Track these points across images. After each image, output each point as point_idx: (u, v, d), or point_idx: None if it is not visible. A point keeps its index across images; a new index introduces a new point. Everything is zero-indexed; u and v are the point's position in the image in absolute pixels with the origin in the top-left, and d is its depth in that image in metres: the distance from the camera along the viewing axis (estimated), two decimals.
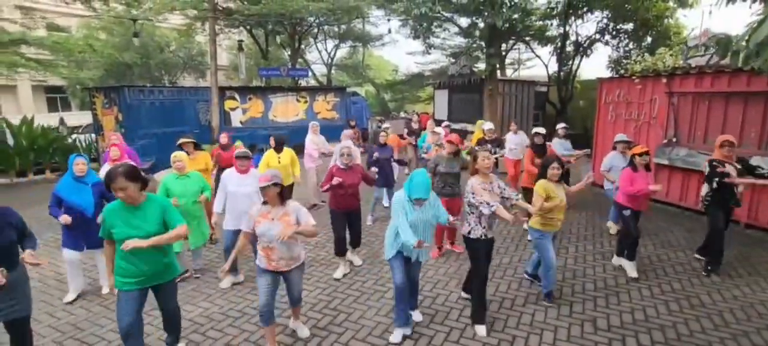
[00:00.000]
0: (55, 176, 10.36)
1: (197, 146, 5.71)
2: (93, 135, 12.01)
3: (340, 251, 4.68)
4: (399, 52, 68.44)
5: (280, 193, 3.08)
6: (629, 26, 13.57)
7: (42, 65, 11.38)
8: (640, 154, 4.47)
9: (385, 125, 8.20)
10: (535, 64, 22.50)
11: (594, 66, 58.34)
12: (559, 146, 6.63)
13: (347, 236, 4.77)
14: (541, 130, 5.97)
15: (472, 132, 12.80)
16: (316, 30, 19.77)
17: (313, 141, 7.36)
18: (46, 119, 13.41)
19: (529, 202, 5.32)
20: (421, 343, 3.42)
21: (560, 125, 6.96)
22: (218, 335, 3.57)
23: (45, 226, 6.27)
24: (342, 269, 4.68)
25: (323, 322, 3.75)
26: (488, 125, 7.28)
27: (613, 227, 5.97)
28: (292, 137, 9.92)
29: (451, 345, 3.40)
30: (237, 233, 3.96)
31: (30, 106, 21.52)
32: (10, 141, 10.25)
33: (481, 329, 3.53)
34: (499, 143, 7.20)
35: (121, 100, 10.35)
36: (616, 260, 4.84)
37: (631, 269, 4.59)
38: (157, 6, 13.44)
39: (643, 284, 4.38)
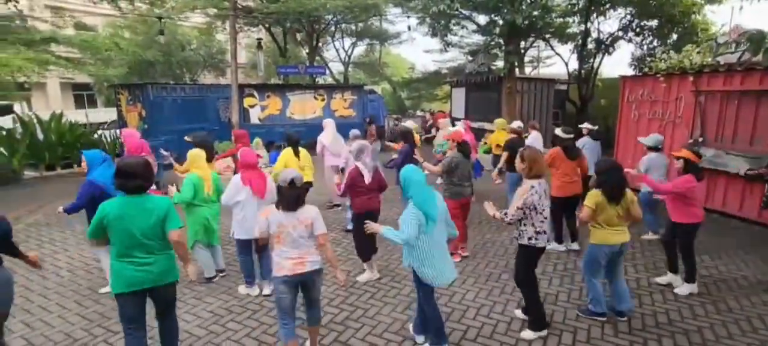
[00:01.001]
0: (81, 170, 10.71)
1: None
2: (118, 131, 12.37)
3: (366, 256, 4.50)
4: (416, 50, 68.32)
5: (300, 195, 2.92)
6: (654, 23, 13.20)
7: (71, 63, 11.78)
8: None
9: (409, 123, 8.06)
10: (554, 62, 22.14)
11: (615, 64, 57.06)
12: (590, 149, 6.07)
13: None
14: (569, 130, 5.32)
15: (490, 131, 12.71)
16: (333, 28, 19.90)
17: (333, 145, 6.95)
18: (74, 116, 13.87)
19: (558, 215, 5.18)
20: None
21: (585, 125, 6.48)
22: (237, 327, 3.64)
23: (75, 218, 6.48)
24: (367, 275, 4.50)
25: (340, 317, 3.78)
26: (516, 123, 6.80)
27: (651, 235, 5.57)
28: (309, 134, 10.01)
29: (470, 343, 3.39)
30: (248, 242, 3.99)
31: (58, 102, 22.32)
32: (40, 136, 10.65)
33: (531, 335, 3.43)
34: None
35: (145, 97, 10.62)
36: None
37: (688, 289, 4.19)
38: (180, 5, 13.79)
39: (666, 287, 4.27)
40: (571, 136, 5.19)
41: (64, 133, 10.84)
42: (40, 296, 4.23)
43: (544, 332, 3.45)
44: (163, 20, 12.16)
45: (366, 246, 4.44)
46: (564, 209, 5.15)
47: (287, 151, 5.87)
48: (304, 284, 2.95)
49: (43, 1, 19.43)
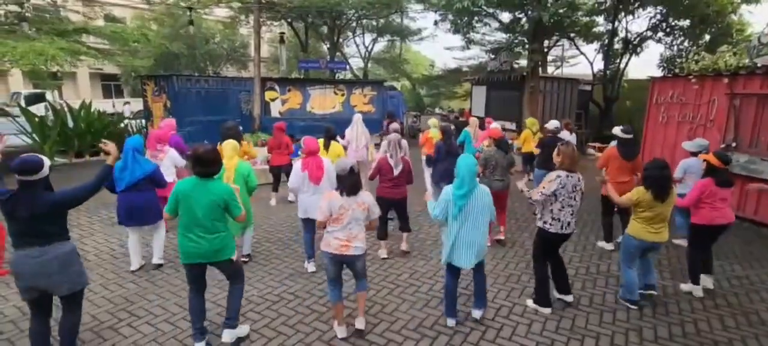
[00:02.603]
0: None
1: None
2: (143, 120, 12.68)
3: (383, 236, 4.99)
4: (436, 46, 67.75)
5: (358, 182, 3.24)
6: (686, 23, 12.74)
7: (101, 53, 12.12)
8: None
9: (432, 120, 8.10)
10: (579, 61, 21.63)
11: (642, 65, 55.34)
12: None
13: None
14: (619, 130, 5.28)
15: (511, 130, 12.52)
16: (354, 23, 19.91)
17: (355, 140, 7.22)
18: (102, 105, 14.30)
19: (609, 215, 5.32)
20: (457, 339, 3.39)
21: (620, 127, 5.85)
22: (257, 317, 3.69)
23: (99, 203, 6.67)
24: (383, 252, 4.99)
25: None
26: (553, 123, 6.85)
27: (680, 240, 5.43)
28: None
29: (488, 344, 3.35)
30: (307, 220, 4.40)
31: (87, 92, 23.05)
32: (70, 124, 11.00)
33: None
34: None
35: (170, 88, 10.84)
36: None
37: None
38: None
39: (694, 296, 4.13)
40: (631, 136, 5.13)
41: (92, 122, 11.17)
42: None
43: (548, 310, 3.74)
44: (192, 11, 12.35)
45: (382, 229, 4.94)
46: (614, 209, 5.24)
47: (319, 143, 5.97)
48: (347, 264, 3.32)
49: None
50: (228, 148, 4.46)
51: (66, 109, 11.23)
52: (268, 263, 4.80)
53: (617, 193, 4.83)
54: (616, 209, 5.28)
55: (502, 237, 5.46)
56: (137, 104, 16.31)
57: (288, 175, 7.03)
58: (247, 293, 4.08)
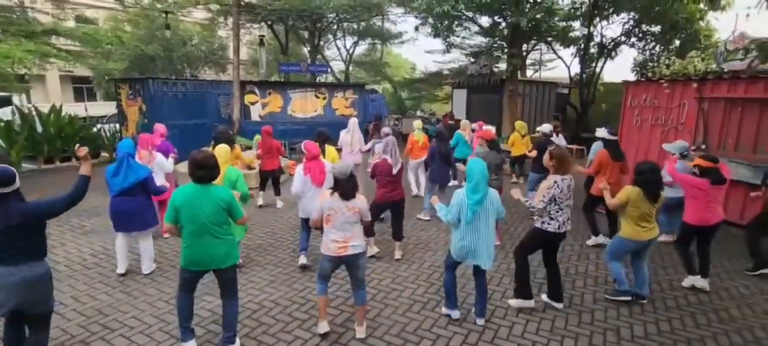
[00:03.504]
0: (80, 165, 10.63)
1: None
2: (117, 125, 12.30)
3: (370, 233, 5.01)
4: (417, 50, 68.33)
5: (355, 186, 3.27)
6: (657, 28, 13.19)
7: (72, 56, 11.71)
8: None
9: (416, 123, 8.19)
10: (556, 65, 22.10)
11: (616, 69, 57.05)
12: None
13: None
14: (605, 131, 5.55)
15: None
16: (335, 26, 19.85)
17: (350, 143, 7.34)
18: (73, 109, 13.79)
19: (591, 212, 5.51)
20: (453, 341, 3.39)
21: (605, 129, 5.89)
22: (254, 324, 3.62)
23: (71, 212, 6.40)
24: (373, 249, 5.02)
25: (340, 319, 3.75)
26: (547, 127, 7.10)
27: (664, 237, 5.55)
28: (310, 133, 9.96)
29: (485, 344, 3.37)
30: (307, 220, 4.47)
31: (57, 95, 22.21)
32: (39, 128, 10.58)
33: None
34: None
35: (146, 91, 10.56)
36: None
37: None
38: (182, 0, 13.72)
39: (669, 295, 4.25)
40: (616, 137, 5.35)
41: (63, 126, 10.77)
42: (67, 286, 4.19)
43: (531, 302, 3.84)
44: (168, 15, 12.06)
45: (370, 227, 4.95)
46: (595, 206, 5.53)
47: None
48: (348, 265, 3.34)
49: None
50: (221, 153, 4.35)
51: (34, 113, 10.80)
52: (248, 270, 4.71)
53: (613, 191, 5.10)
54: (599, 207, 5.50)
55: (498, 242, 5.43)
56: (100, 108, 15.86)
57: (275, 180, 7.02)
58: (257, 297, 4.03)
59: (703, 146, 6.72)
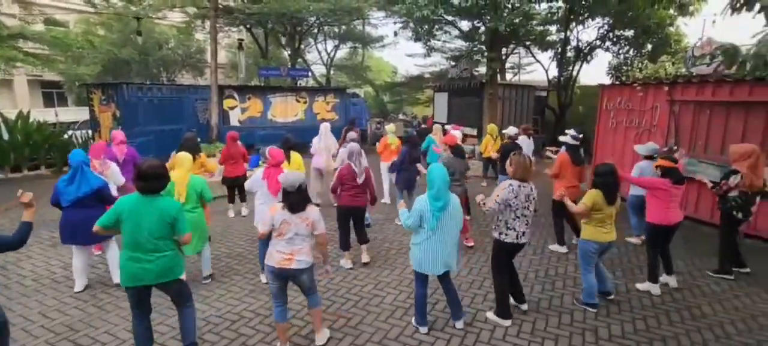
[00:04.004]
0: (49, 173, 10.24)
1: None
2: (89, 131, 11.91)
3: (346, 247, 4.94)
4: (399, 53, 68.67)
5: (305, 198, 3.17)
6: (630, 33, 13.59)
7: (40, 60, 11.27)
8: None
9: (389, 126, 8.11)
10: (535, 69, 22.53)
11: (593, 72, 58.71)
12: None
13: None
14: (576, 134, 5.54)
15: (472, 136, 12.82)
16: (316, 30, 19.74)
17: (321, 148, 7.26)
18: (42, 115, 13.30)
19: (560, 218, 5.49)
20: None
21: (570, 132, 6.03)
22: (215, 339, 3.51)
23: (39, 222, 6.17)
24: (347, 262, 4.92)
25: (306, 330, 3.69)
26: (512, 130, 7.13)
27: (635, 239, 5.78)
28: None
29: None
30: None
31: (26, 100, 21.38)
32: (5, 136, 10.14)
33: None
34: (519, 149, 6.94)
35: (120, 96, 10.26)
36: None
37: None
38: (158, 3, 13.40)
39: (644, 294, 4.35)
40: (578, 143, 5.38)
41: (31, 133, 10.35)
42: (19, 305, 3.99)
43: (508, 322, 3.71)
44: (140, 20, 11.75)
45: (345, 239, 4.93)
46: (565, 212, 5.34)
47: None
48: (292, 279, 3.20)
49: None
50: (182, 161, 4.23)
51: (0, 120, 10.34)
52: (227, 279, 4.60)
53: (572, 195, 5.09)
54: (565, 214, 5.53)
55: (471, 243, 5.54)
56: (72, 114, 15.32)
57: (240, 187, 6.83)
58: (204, 313, 3.89)
59: (675, 148, 6.94)
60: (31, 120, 10.58)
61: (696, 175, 5.20)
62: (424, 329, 3.59)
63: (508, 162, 3.72)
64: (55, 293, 4.24)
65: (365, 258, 5.03)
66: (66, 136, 11.58)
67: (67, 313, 3.89)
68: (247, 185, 4.46)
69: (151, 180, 2.84)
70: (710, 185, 4.64)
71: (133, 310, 2.99)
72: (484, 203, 3.63)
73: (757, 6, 3.42)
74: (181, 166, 4.21)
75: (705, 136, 6.57)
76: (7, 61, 9.73)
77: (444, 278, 3.57)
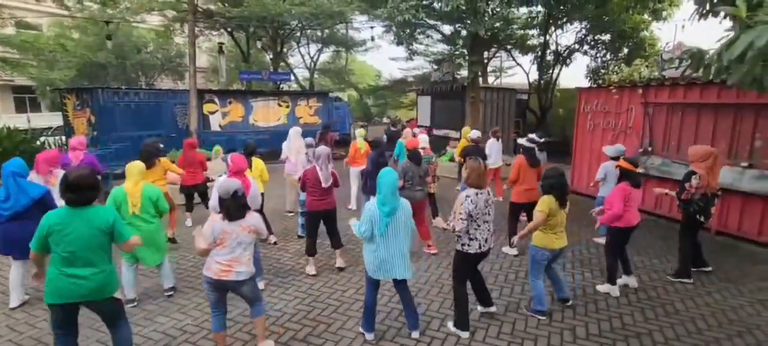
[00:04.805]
0: None
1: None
2: (63, 138, 11.56)
3: (312, 252, 4.89)
4: (382, 57, 68.81)
5: (243, 205, 3.10)
6: (607, 37, 13.97)
7: (9, 64, 10.90)
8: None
9: (357, 131, 8.03)
10: (516, 72, 22.88)
11: (573, 75, 60.08)
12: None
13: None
14: (535, 138, 5.70)
15: (455, 139, 12.92)
16: (298, 34, 19.64)
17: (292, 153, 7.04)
18: (13, 120, 12.85)
19: (515, 219, 5.52)
20: None
21: (526, 137, 6.14)
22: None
23: None
24: (311, 269, 4.87)
25: (302, 333, 3.66)
26: (475, 133, 7.19)
27: (602, 239, 5.74)
28: (273, 141, 9.77)
29: None
30: None
31: None
32: None
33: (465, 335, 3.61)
34: (481, 152, 6.88)
35: (95, 101, 10.01)
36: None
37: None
38: (135, 6, 13.13)
39: (621, 292, 4.44)
40: (533, 146, 5.43)
41: (1, 140, 9.97)
42: None
43: (466, 334, 3.60)
44: (111, 24, 11.47)
45: (311, 244, 4.89)
46: (519, 213, 5.57)
47: None
48: (232, 290, 3.12)
49: None
50: (133, 170, 4.07)
51: None
52: (190, 291, 4.46)
53: (524, 197, 5.29)
54: (522, 215, 5.65)
55: (435, 250, 5.45)
56: (45, 119, 14.85)
57: (201, 195, 6.66)
58: (180, 322, 3.81)
59: (650, 149, 7.14)
60: (0, 126, 10.20)
61: (656, 190, 5.31)
62: (370, 336, 3.53)
63: (464, 168, 3.66)
64: (25, 307, 4.09)
65: (340, 263, 4.97)
66: (39, 142, 11.20)
67: (36, 326, 3.75)
68: (211, 205, 4.06)
69: (81, 191, 2.62)
70: (673, 193, 4.73)
71: (56, 331, 2.74)
72: (452, 228, 3.46)
73: (722, 12, 3.54)
74: (130, 176, 4.05)
75: (678, 137, 6.77)
76: None
77: (400, 285, 3.52)
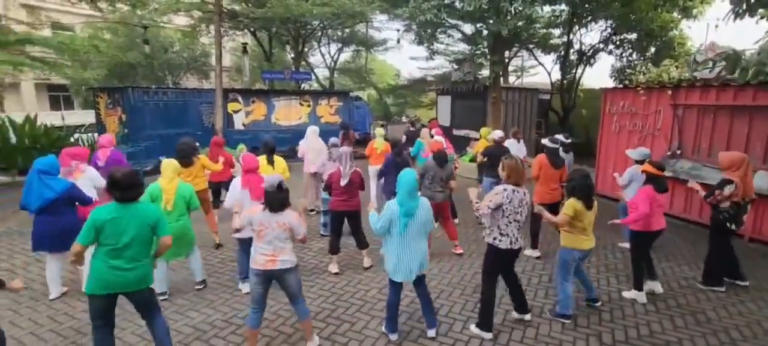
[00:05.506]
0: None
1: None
2: (95, 135, 12.01)
3: (335, 251, 4.96)
4: (402, 56, 68.68)
5: (284, 200, 3.17)
6: (633, 36, 13.60)
7: (47, 65, 11.40)
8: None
9: (377, 130, 8.03)
10: (538, 71, 22.52)
11: (597, 75, 58.71)
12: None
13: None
14: (562, 138, 5.61)
15: (475, 139, 12.82)
16: (319, 34, 19.83)
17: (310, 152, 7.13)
18: (49, 118, 13.43)
19: (537, 221, 5.41)
20: None
21: (548, 138, 5.98)
22: (221, 343, 3.54)
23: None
24: (334, 267, 4.95)
25: (326, 332, 3.72)
26: (498, 133, 7.09)
27: (627, 244, 5.64)
28: (295, 140, 9.90)
29: None
30: (243, 240, 4.10)
31: (33, 103, 21.61)
32: (13, 139, 10.25)
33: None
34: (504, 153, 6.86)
35: (126, 100, 10.36)
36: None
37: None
38: (163, 7, 13.53)
39: (648, 298, 4.35)
40: (557, 146, 5.38)
41: (38, 137, 10.46)
42: (10, 311, 4.04)
43: (489, 335, 3.61)
44: (147, 29, 11.83)
45: (335, 242, 4.95)
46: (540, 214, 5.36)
47: (261, 159, 5.68)
48: (278, 280, 3.23)
49: (19, 0, 18.82)
50: (168, 168, 4.21)
51: (8, 123, 10.46)
52: (232, 283, 4.63)
53: (547, 198, 5.18)
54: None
55: (460, 251, 5.48)
56: (78, 116, 15.42)
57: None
58: (210, 317, 3.93)
59: (679, 152, 6.94)
60: (38, 124, 10.69)
61: (689, 182, 5.10)
62: (393, 337, 3.56)
63: (500, 167, 3.63)
64: (63, 297, 4.29)
65: (366, 262, 5.05)
66: (72, 139, 11.70)
67: (75, 317, 3.94)
68: (227, 205, 4.16)
69: (126, 189, 2.80)
70: (703, 193, 4.57)
71: (96, 322, 2.88)
72: (477, 208, 3.55)
73: (760, 12, 3.44)
74: (164, 173, 4.19)
75: (709, 140, 6.56)
76: (15, 66, 9.84)
77: (418, 285, 3.56)
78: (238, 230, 3.30)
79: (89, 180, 4.80)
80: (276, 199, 3.11)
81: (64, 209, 4.05)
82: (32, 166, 4.10)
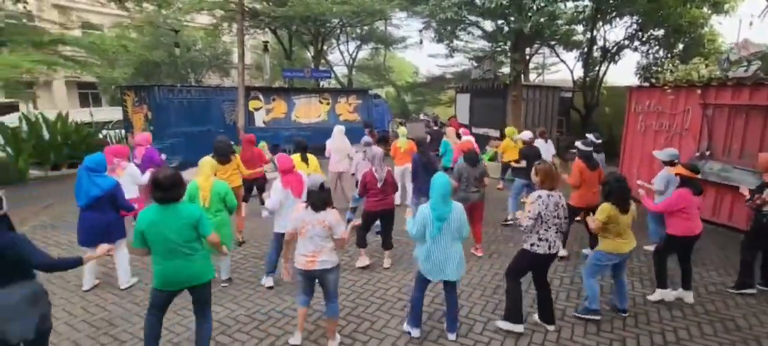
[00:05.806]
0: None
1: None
2: (123, 132, 12.40)
3: (362, 244, 5.07)
4: (420, 54, 68.32)
5: (327, 199, 3.28)
6: (660, 32, 13.17)
7: (78, 64, 11.83)
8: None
9: (401, 129, 8.02)
10: (559, 69, 22.09)
11: (620, 72, 57.21)
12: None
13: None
14: (593, 139, 5.55)
15: (495, 137, 12.70)
16: (339, 31, 19.93)
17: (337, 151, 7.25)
18: (79, 115, 13.90)
19: (569, 224, 5.33)
20: None
21: (581, 141, 5.95)
22: (244, 338, 3.64)
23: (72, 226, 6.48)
24: (363, 260, 5.04)
25: (347, 329, 3.78)
26: (527, 134, 6.95)
27: (651, 246, 5.57)
28: (315, 138, 10.01)
29: None
30: (279, 234, 4.30)
31: (63, 100, 22.42)
32: (46, 135, 10.69)
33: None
34: (537, 153, 6.61)
35: (151, 99, 10.65)
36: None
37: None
38: (186, 6, 13.84)
39: (675, 303, 4.25)
40: (591, 148, 5.34)
41: (69, 134, 10.88)
42: None
43: (520, 328, 3.64)
44: (171, 27, 12.08)
45: (363, 237, 5.07)
46: (573, 216, 5.32)
47: (295, 157, 5.82)
48: (319, 279, 3.36)
49: (51, 0, 19.53)
50: (205, 167, 4.33)
51: (41, 120, 10.91)
52: (255, 279, 4.73)
53: (585, 202, 5.10)
54: (576, 218, 5.43)
55: (480, 253, 5.45)
56: (106, 113, 15.89)
57: (260, 188, 6.89)
58: (233, 312, 4.04)
59: (708, 153, 6.72)
60: (69, 121, 11.11)
61: (740, 185, 4.93)
62: (416, 333, 3.61)
63: (533, 172, 3.64)
64: (96, 289, 4.47)
65: (387, 263, 5.09)
66: (100, 135, 12.12)
67: (106, 308, 4.10)
68: (271, 206, 4.31)
69: (168, 190, 2.88)
70: (748, 196, 4.44)
71: (152, 308, 3.06)
72: (519, 223, 3.59)
73: None
74: (201, 171, 4.31)
75: (740, 142, 6.34)
76: (49, 66, 10.25)
77: (449, 287, 3.56)
78: (291, 236, 3.38)
79: (130, 177, 5.07)
80: (319, 198, 3.23)
81: (107, 208, 4.24)
82: (82, 162, 4.31)
